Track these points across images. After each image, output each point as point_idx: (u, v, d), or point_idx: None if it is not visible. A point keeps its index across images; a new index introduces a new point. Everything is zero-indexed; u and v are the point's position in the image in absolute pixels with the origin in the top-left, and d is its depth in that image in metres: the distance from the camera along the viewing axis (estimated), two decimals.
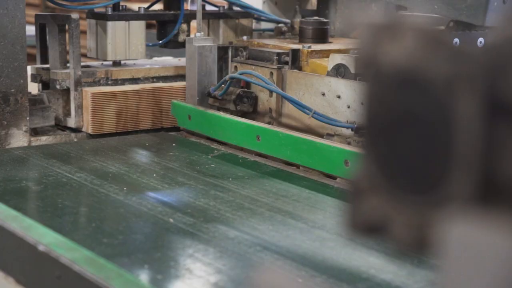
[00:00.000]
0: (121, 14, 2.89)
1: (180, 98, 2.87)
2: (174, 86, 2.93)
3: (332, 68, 2.52)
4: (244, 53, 2.79)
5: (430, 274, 1.58)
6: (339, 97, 2.45)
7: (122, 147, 2.55)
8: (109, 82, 2.88)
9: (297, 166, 2.39)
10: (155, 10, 3.09)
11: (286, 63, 2.67)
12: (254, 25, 3.25)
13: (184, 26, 3.02)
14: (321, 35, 2.84)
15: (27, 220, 1.48)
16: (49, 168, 2.26)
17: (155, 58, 3.41)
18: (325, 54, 2.68)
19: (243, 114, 2.70)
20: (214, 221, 1.87)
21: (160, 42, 3.03)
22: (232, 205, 1.99)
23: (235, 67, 2.81)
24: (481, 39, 2.39)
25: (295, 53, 2.67)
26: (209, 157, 2.48)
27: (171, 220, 1.84)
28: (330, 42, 2.87)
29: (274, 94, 2.66)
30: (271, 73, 2.67)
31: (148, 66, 3.01)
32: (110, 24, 2.86)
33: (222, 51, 2.85)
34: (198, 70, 2.76)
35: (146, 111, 2.85)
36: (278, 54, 2.68)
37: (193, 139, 2.72)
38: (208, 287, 1.51)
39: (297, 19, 3.06)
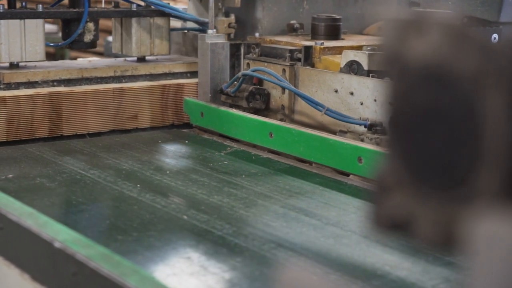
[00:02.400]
0: (15, 12, 2.61)
1: (85, 103, 2.60)
2: (75, 90, 2.64)
3: (345, 64, 2.52)
4: (257, 50, 2.79)
5: (445, 271, 1.58)
6: (352, 94, 2.44)
7: (135, 144, 2.55)
8: (1, 86, 2.60)
9: (310, 163, 2.39)
10: (57, 8, 2.81)
11: (299, 60, 2.67)
12: (182, 24, 3.10)
13: (91, 25, 2.77)
14: (334, 32, 2.84)
15: (43, 217, 1.48)
16: (62, 165, 2.27)
17: (80, 59, 3.10)
18: (338, 50, 2.68)
19: (256, 111, 2.70)
20: (228, 218, 1.87)
21: (64, 42, 2.78)
22: (245, 202, 1.99)
23: (248, 64, 2.80)
24: (495, 35, 2.38)
25: (308, 50, 2.66)
26: (222, 154, 2.48)
27: (185, 217, 1.85)
28: (343, 39, 2.86)
29: (286, 91, 2.66)
30: (284, 70, 2.66)
31: (53, 68, 2.72)
32: (2, 22, 2.59)
33: (235, 48, 2.85)
34: (211, 67, 2.76)
35: (42, 118, 2.55)
36: (291, 51, 2.68)
37: (205, 136, 2.72)
38: (223, 283, 1.51)
39: (220, 18, 2.90)
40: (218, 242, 1.70)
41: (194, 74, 2.93)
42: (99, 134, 2.65)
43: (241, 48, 2.84)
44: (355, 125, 2.40)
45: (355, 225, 1.87)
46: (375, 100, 2.35)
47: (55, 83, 2.69)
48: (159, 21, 2.90)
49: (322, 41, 2.71)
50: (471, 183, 0.51)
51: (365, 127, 2.33)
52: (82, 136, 2.62)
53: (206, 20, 2.92)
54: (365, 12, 3.07)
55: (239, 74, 2.67)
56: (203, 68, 2.79)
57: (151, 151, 2.48)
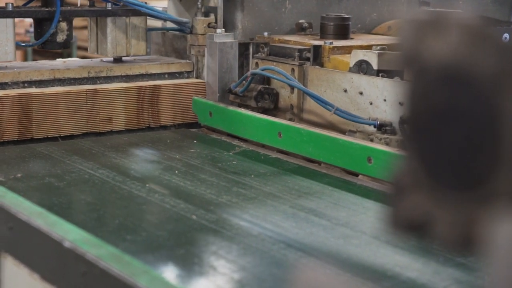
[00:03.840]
0: None
1: (57, 105, 2.52)
2: (46, 91, 2.56)
3: (354, 64, 2.51)
4: (265, 50, 2.78)
5: (456, 272, 1.57)
6: (361, 93, 2.44)
7: (144, 144, 2.55)
8: None
9: (319, 163, 2.38)
10: (29, 7, 2.72)
11: (308, 59, 2.66)
12: (162, 23, 3.02)
13: (64, 24, 2.68)
14: (343, 31, 2.83)
15: (52, 217, 1.48)
16: (71, 164, 2.27)
17: (59, 60, 2.98)
18: (347, 50, 2.67)
19: (264, 111, 2.69)
20: (237, 218, 1.86)
21: (36, 42, 2.69)
22: (255, 202, 1.98)
23: (256, 63, 2.80)
24: (506, 35, 2.36)
25: (317, 49, 2.65)
26: (231, 154, 2.47)
27: (194, 216, 1.84)
28: (352, 38, 2.85)
29: (295, 91, 2.65)
30: (293, 70, 2.66)
31: (24, 69, 2.63)
32: None
33: (243, 47, 2.84)
34: (219, 67, 2.76)
35: (11, 120, 2.48)
36: (300, 51, 2.67)
37: (214, 136, 2.71)
38: (232, 284, 1.51)
39: (199, 17, 2.85)
40: (228, 242, 1.69)
41: (171, 75, 2.86)
42: (71, 137, 2.58)
43: (250, 48, 2.84)
44: (365, 125, 2.39)
45: (365, 225, 1.86)
46: (384, 100, 2.34)
47: (25, 84, 2.59)
48: (135, 20, 2.81)
49: (331, 41, 2.70)
50: (490, 184, 0.50)
51: (374, 127, 2.32)
52: (54, 139, 2.55)
53: (185, 20, 2.87)
54: (350, 12, 3.02)
55: (248, 73, 2.67)
56: (212, 68, 2.78)
57: (160, 151, 2.48)
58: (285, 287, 1.47)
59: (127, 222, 1.81)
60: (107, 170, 2.21)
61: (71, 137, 2.59)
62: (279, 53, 2.74)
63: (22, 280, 1.51)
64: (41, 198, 1.95)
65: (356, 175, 2.25)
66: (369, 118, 2.37)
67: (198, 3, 2.85)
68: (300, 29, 3.00)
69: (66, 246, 1.37)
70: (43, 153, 2.40)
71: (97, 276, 1.31)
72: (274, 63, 2.71)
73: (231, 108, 2.67)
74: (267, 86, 2.72)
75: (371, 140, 2.31)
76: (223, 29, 2.81)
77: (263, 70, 2.66)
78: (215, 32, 2.81)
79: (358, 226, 1.84)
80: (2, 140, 2.48)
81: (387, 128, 2.29)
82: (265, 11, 2.93)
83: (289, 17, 2.97)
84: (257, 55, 2.81)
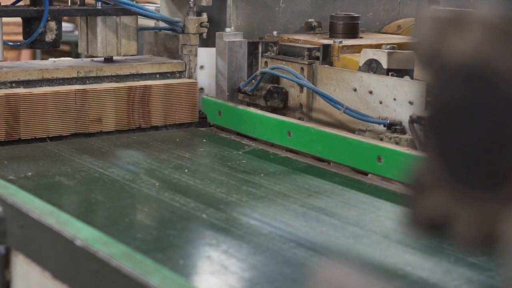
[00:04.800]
0: None
1: (45, 106, 2.47)
2: (34, 92, 2.51)
3: (364, 63, 2.50)
4: (275, 49, 2.78)
5: (468, 272, 1.56)
6: (371, 92, 2.43)
7: (153, 143, 2.55)
8: None
9: (328, 162, 2.38)
10: (17, 6, 2.67)
11: (317, 58, 2.66)
12: (155, 23, 2.97)
13: (52, 24, 2.62)
14: (352, 30, 2.83)
15: (64, 215, 1.48)
16: (81, 163, 2.27)
17: (51, 59, 2.90)
18: (356, 49, 2.66)
19: (274, 110, 2.69)
20: (247, 216, 1.86)
21: (24, 41, 2.65)
22: (264, 201, 1.98)
23: (265, 62, 2.80)
24: None
25: (326, 48, 2.65)
26: (240, 152, 2.47)
27: (204, 215, 1.84)
28: (361, 37, 2.85)
29: (304, 90, 2.65)
30: (302, 69, 2.65)
31: (12, 69, 2.58)
32: None
33: (252, 46, 2.84)
34: (228, 66, 2.76)
35: None
36: (309, 50, 2.67)
37: (223, 135, 2.71)
38: (243, 283, 1.51)
39: (191, 17, 2.80)
40: (238, 241, 1.69)
41: (163, 75, 2.81)
42: (60, 137, 2.54)
43: (259, 47, 2.84)
44: (374, 124, 2.39)
45: (375, 224, 1.86)
46: (394, 99, 2.34)
47: (13, 85, 2.54)
48: (126, 20, 2.75)
49: (340, 40, 2.70)
50: (511, 183, 0.50)
51: (384, 126, 2.32)
52: (42, 139, 2.51)
53: (176, 19, 2.82)
54: (345, 11, 3.00)
55: (258, 72, 2.67)
56: (221, 67, 2.78)
57: (169, 150, 2.48)
58: (295, 286, 1.47)
59: (137, 221, 1.81)
60: (117, 168, 2.21)
61: (59, 138, 2.54)
62: (288, 52, 2.74)
63: (33, 278, 1.52)
64: (51, 197, 1.95)
65: (366, 174, 2.25)
66: (379, 117, 2.37)
67: (190, 2, 2.80)
68: (309, 28, 3.00)
69: (77, 244, 1.37)
70: (53, 152, 2.40)
71: (109, 274, 1.31)
72: (283, 62, 2.71)
73: (240, 107, 2.67)
74: (276, 85, 2.72)
75: (381, 139, 2.31)
76: (232, 28, 2.80)
77: (272, 69, 2.66)
78: (224, 31, 2.81)
79: (368, 225, 1.84)
80: None
81: (397, 127, 2.28)
82: (258, 10, 2.91)
83: (283, 17, 2.95)
84: (266, 54, 2.81)
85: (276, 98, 2.69)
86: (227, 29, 2.77)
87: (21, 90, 2.51)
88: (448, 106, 0.52)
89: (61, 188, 2.05)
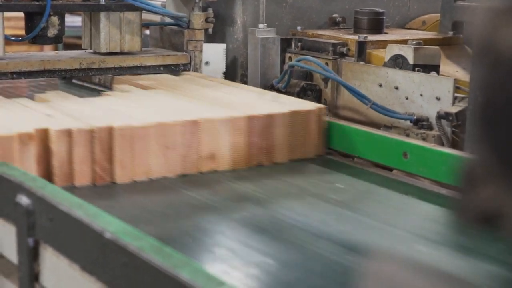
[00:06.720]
0: None
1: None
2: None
3: (389, 58, 2.49)
4: (299, 44, 2.78)
5: (494, 269, 1.55)
6: (396, 88, 2.42)
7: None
8: None
9: (352, 158, 2.37)
10: (19, 1, 2.62)
11: (342, 53, 2.65)
12: (161, 18, 2.94)
13: (55, 19, 2.60)
14: (377, 26, 2.81)
15: (93, 208, 1.49)
16: None
17: (60, 52, 2.85)
18: (381, 45, 2.65)
19: None
20: (266, 209, 1.86)
21: (26, 36, 2.63)
22: (284, 194, 1.98)
23: (290, 58, 2.79)
24: None
25: (362, 45, 2.62)
26: None
27: (231, 210, 1.84)
28: (386, 33, 2.83)
29: (329, 85, 2.64)
30: (326, 64, 2.64)
31: (14, 60, 2.55)
32: None
33: (285, 43, 2.82)
34: (261, 63, 2.73)
35: None
36: (334, 45, 2.66)
37: None
38: (267, 276, 1.50)
39: (196, 12, 2.78)
40: (263, 235, 1.69)
41: (167, 67, 2.74)
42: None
43: (292, 43, 2.80)
44: (400, 120, 2.37)
45: (399, 220, 1.85)
46: (421, 95, 2.32)
47: (14, 76, 2.52)
48: (129, 15, 2.71)
49: (365, 35, 2.69)
50: None
51: (411, 122, 2.31)
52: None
53: (181, 14, 2.80)
54: (354, 6, 2.97)
55: (285, 66, 2.66)
56: (254, 63, 2.76)
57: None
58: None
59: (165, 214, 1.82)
60: None
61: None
62: (313, 48, 2.73)
63: (62, 271, 1.52)
64: None
65: (391, 170, 2.24)
66: (405, 113, 2.36)
67: None
68: (333, 24, 2.99)
69: (107, 237, 1.37)
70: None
71: (138, 267, 1.31)
72: None
73: None
74: (309, 82, 2.70)
75: (407, 135, 2.29)
76: (265, 24, 2.77)
77: (298, 61, 2.64)
78: (256, 27, 2.78)
79: (392, 221, 1.83)
80: None
81: (423, 123, 2.27)
82: (265, 5, 2.86)
83: (290, 12, 2.93)
84: (290, 49, 2.80)
85: (309, 95, 2.68)
86: (260, 25, 2.75)
87: (22, 81, 2.43)
88: (502, 98, 0.51)
89: None
